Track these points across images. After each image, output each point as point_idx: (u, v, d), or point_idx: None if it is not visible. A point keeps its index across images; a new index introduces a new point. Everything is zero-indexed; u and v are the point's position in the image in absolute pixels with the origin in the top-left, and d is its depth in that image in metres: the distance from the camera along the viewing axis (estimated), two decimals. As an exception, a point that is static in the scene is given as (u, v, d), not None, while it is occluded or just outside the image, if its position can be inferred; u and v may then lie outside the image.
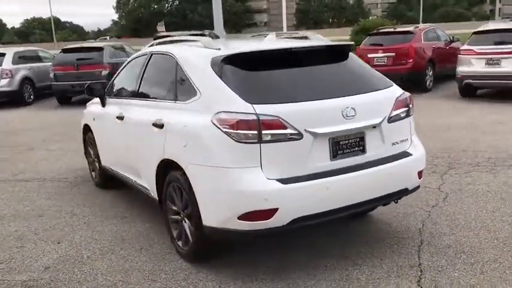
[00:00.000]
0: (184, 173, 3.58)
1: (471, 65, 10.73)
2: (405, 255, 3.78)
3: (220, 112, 3.28)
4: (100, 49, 13.72)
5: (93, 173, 6.19)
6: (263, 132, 3.15)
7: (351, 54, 3.98)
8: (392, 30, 13.76)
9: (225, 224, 3.28)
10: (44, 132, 9.92)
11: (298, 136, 3.23)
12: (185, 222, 3.79)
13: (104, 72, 13.18)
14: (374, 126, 3.54)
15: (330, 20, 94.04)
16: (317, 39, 4.60)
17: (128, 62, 5.19)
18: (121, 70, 5.32)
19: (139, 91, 4.58)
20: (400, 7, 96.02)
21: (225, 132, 3.22)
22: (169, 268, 3.77)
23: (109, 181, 5.86)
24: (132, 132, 4.51)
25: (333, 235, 4.19)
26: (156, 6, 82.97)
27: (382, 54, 12.60)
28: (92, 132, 5.84)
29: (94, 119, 5.67)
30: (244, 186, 3.16)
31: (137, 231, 4.53)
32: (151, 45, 4.96)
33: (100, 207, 5.29)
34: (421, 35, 12.93)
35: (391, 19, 69.25)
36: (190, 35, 13.84)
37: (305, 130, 3.24)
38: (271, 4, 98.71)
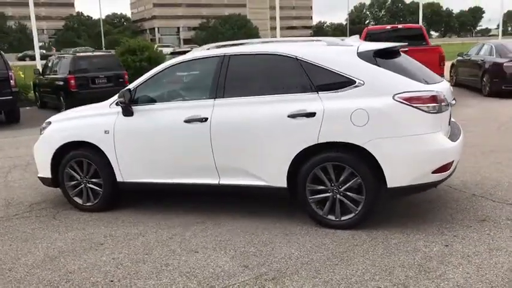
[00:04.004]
0: (349, 151, 4.23)
1: None
2: (498, 201, 4.98)
3: (404, 92, 4.14)
4: None
5: (77, 199, 5.40)
6: (442, 104, 4.21)
7: None
8: None
9: (419, 179, 4.18)
10: None
11: (448, 106, 4.39)
12: (340, 195, 4.37)
13: None
14: (452, 105, 4.97)
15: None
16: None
17: (164, 69, 5.06)
18: (153, 76, 5.07)
19: (226, 91, 4.67)
20: (68, 34, 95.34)
21: (416, 107, 4.11)
22: (346, 236, 4.26)
23: (117, 199, 5.38)
24: (238, 130, 4.56)
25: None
26: None
27: None
28: (93, 149, 5.17)
29: (107, 132, 5.07)
30: (440, 145, 4.18)
31: (250, 228, 4.61)
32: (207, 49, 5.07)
33: (154, 222, 4.90)
34: None
35: (59, 46, 67.77)
36: None
37: (449, 102, 4.43)
38: None
